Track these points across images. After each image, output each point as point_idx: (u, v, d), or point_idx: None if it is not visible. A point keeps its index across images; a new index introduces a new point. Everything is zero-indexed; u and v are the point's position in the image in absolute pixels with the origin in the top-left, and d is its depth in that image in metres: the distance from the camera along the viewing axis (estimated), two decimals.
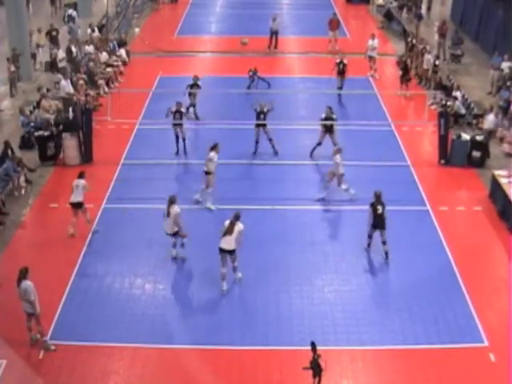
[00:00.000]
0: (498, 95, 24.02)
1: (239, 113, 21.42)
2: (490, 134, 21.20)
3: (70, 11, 31.48)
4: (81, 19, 31.86)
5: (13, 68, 24.22)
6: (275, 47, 30.65)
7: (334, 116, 20.30)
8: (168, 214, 14.86)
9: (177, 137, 20.33)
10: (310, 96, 24.99)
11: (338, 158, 17.76)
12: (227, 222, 14.18)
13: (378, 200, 15.33)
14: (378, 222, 15.28)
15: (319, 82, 26.07)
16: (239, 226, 14.14)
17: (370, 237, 15.71)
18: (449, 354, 12.75)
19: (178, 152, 20.44)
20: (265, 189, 18.65)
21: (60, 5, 35.76)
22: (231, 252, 14.23)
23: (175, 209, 14.85)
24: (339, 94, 24.33)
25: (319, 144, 20.22)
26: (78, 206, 16.23)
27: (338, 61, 24.75)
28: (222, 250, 14.21)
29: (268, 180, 19.03)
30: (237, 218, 14.22)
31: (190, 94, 22.40)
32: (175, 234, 15.19)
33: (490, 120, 21.54)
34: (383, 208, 15.23)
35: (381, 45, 28.32)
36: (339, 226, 17.00)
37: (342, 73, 24.54)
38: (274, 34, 30.56)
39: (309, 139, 21.40)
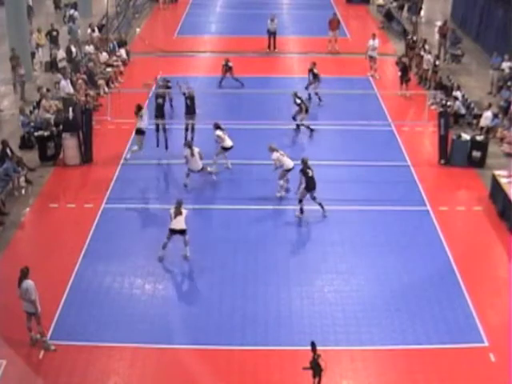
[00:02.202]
0: (499, 95, 24.04)
1: (239, 113, 21.42)
2: (487, 131, 21.23)
3: (72, 11, 31.45)
4: (81, 19, 31.86)
5: (22, 71, 24.23)
6: (274, 48, 30.67)
7: (298, 101, 21.32)
8: (192, 154, 17.82)
9: (157, 127, 20.47)
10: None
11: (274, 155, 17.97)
12: (173, 209, 15.11)
13: (306, 165, 16.82)
14: (311, 184, 16.84)
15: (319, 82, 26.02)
16: (185, 211, 15.20)
17: (301, 201, 16.99)
18: (449, 354, 12.75)
19: (158, 145, 20.53)
20: (265, 189, 18.63)
21: (60, 4, 35.77)
22: (183, 232, 15.12)
23: (196, 150, 17.94)
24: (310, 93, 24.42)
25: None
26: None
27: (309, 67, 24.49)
28: (173, 231, 15.12)
29: (268, 180, 19.00)
30: (179, 203, 15.19)
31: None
32: (202, 170, 18.26)
33: (486, 116, 21.62)
34: (312, 171, 16.80)
35: (381, 45, 28.32)
36: (339, 226, 16.99)
37: (315, 77, 24.28)
38: (272, 34, 30.57)
39: (308, 139, 21.46)
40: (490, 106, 21.97)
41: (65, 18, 31.98)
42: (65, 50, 26.88)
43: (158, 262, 15.36)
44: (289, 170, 17.97)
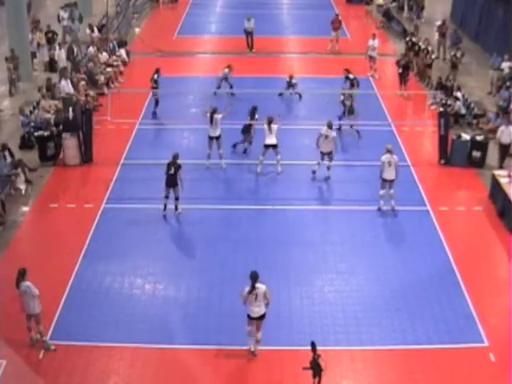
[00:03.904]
0: (498, 95, 24.05)
1: (239, 113, 21.39)
2: (489, 131, 21.17)
3: (61, 13, 31.00)
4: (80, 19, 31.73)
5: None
6: (252, 48, 30.59)
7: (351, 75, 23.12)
8: (212, 120, 18.98)
9: (157, 101, 22.85)
10: (310, 96, 25.00)
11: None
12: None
13: (172, 161, 16.83)
14: (168, 182, 16.87)
15: (319, 82, 26.06)
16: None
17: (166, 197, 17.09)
18: (449, 354, 12.75)
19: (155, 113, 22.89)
20: (265, 189, 18.66)
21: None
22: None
23: (219, 115, 19.03)
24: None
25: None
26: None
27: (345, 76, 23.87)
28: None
29: (268, 180, 19.04)
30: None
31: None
32: (219, 137, 19.23)
33: (502, 131, 19.86)
34: (175, 169, 16.78)
35: (380, 45, 28.33)
36: (339, 226, 17.00)
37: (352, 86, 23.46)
38: (250, 34, 30.55)
39: (309, 139, 21.43)
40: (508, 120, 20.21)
41: (62, 18, 31.82)
42: (66, 49, 26.87)
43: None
44: (265, 146, 19.04)
